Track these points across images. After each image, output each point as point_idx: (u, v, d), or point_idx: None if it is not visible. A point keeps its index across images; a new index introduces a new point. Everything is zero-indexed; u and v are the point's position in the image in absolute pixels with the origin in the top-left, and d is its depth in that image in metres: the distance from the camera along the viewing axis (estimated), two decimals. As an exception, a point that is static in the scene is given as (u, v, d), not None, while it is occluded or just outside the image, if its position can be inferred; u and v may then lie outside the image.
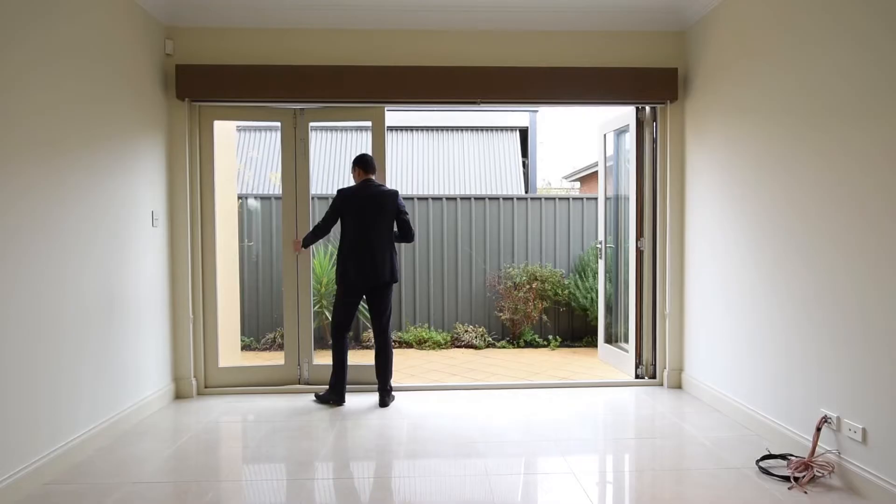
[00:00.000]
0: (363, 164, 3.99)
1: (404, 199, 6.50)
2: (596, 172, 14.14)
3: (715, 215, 3.82)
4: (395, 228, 4.00)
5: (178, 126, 4.09)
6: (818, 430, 2.72)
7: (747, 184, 3.44)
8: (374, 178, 4.00)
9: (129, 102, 3.58)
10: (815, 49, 2.85)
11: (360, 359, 4.64)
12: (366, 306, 4.34)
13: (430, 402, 3.99)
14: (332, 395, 3.92)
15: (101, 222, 3.27)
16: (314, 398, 4.02)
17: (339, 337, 3.96)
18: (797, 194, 2.98)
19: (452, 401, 4.03)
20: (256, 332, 6.31)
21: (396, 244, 4.04)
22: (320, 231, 3.98)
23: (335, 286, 4.02)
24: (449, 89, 4.09)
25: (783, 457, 2.88)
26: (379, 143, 4.28)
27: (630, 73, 4.12)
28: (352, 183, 4.03)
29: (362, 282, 3.89)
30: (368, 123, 4.38)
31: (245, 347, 6.07)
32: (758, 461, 2.86)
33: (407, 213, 3.99)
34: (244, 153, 10.34)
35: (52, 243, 2.84)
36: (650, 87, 4.13)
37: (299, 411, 3.81)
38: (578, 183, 15.93)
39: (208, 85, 4.00)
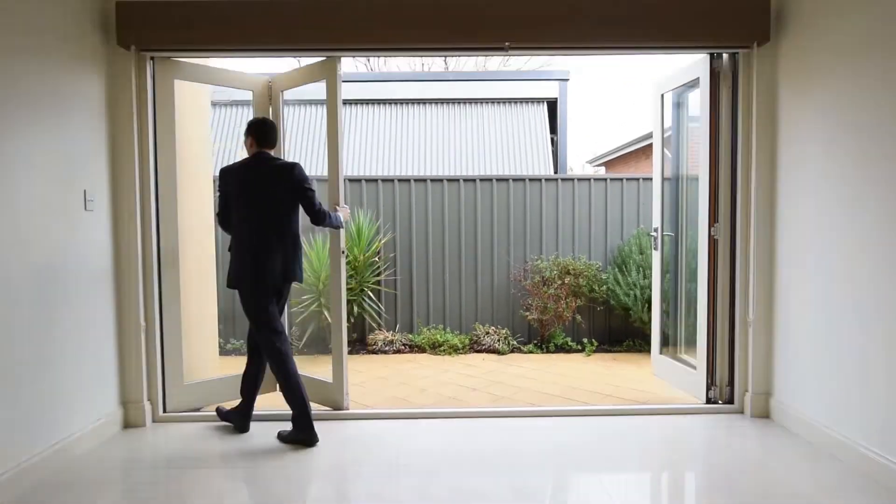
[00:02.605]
0: (257, 131, 3.06)
1: (416, 180, 5.65)
2: (625, 156, 13.01)
3: (822, 194, 2.85)
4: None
5: (123, 83, 3.21)
6: None
7: (880, 149, 2.47)
8: (271, 152, 3.10)
9: (54, 50, 2.70)
10: None
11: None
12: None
13: (441, 435, 3.09)
14: (301, 435, 2.98)
15: (15, 204, 2.41)
16: (277, 437, 3.07)
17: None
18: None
19: (470, 433, 3.12)
20: (246, 335, 5.46)
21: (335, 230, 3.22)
22: (220, 223, 3.14)
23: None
24: (468, 28, 3.16)
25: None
26: (332, 104, 3.35)
27: (703, 7, 3.15)
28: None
29: (247, 281, 3.03)
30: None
31: (234, 351, 5.26)
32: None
33: (311, 190, 3.03)
34: (232, 130, 9.38)
35: None
36: (729, 25, 3.15)
37: (268, 448, 2.94)
38: (603, 168, 14.88)
39: (155, 28, 3.11)
